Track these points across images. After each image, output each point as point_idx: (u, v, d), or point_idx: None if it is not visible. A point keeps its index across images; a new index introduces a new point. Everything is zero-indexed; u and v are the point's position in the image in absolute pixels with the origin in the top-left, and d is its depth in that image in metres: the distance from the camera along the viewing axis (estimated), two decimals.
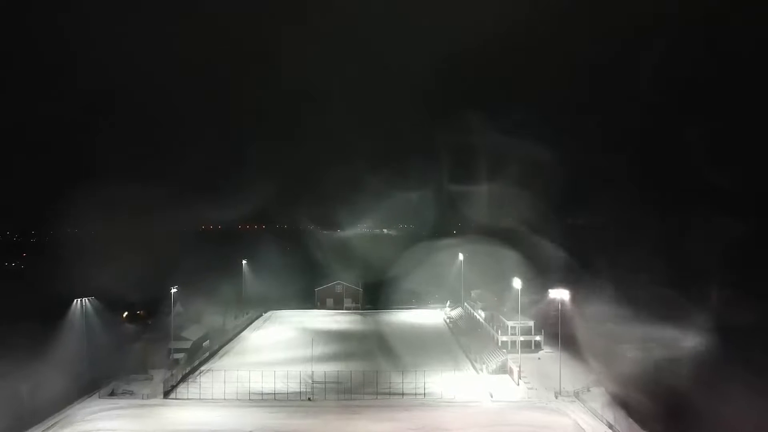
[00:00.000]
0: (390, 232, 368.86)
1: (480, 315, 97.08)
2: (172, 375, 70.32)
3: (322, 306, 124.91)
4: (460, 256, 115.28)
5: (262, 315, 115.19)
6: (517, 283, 71.21)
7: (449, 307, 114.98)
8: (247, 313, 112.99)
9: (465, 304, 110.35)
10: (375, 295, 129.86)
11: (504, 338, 79.46)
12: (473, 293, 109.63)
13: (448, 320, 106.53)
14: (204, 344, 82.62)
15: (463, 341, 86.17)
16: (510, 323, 79.73)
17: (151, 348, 79.62)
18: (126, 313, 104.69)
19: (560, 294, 65.97)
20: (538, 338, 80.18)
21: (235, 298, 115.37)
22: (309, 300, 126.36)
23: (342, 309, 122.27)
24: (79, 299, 75.88)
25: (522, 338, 78.51)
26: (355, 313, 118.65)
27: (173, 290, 74.74)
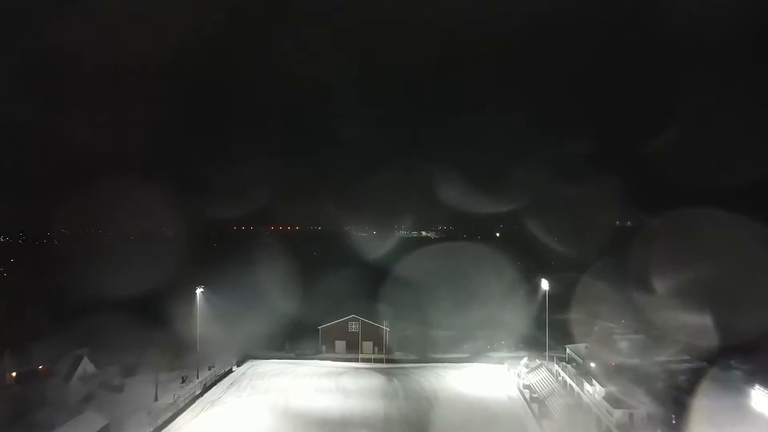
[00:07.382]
0: (429, 235, 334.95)
1: (596, 399, 53.66)
2: None
3: (329, 351, 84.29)
4: (544, 285, 71.71)
5: (231, 371, 74.90)
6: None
7: (525, 366, 71.44)
8: (210, 368, 73.43)
9: (556, 366, 66.51)
10: (405, 329, 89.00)
11: None
12: (570, 349, 66.15)
13: (525, 392, 63.45)
14: None
15: None
16: None
17: None
18: (15, 373, 66.34)
19: None
20: None
21: (207, 341, 76.17)
22: (313, 336, 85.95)
23: (357, 359, 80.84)
24: None
25: None
26: (376, 368, 76.86)
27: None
